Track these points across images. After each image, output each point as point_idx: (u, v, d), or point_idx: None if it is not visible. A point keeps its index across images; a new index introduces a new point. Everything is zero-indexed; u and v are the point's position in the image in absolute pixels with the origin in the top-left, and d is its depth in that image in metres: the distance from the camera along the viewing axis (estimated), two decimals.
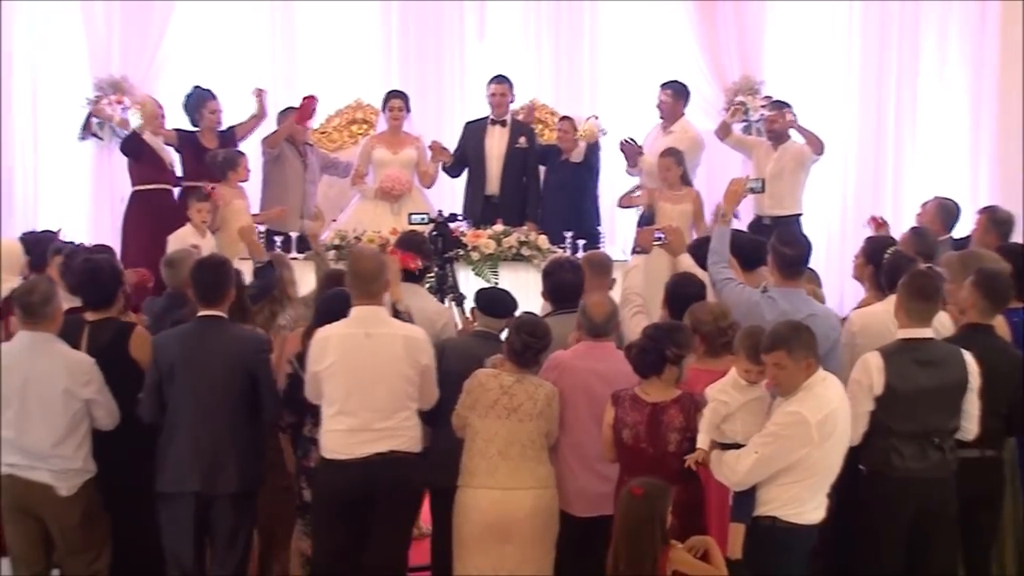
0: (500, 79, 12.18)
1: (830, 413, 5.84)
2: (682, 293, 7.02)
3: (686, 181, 11.16)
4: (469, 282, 10.44)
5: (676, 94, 12.19)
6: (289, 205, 11.70)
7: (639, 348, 6.26)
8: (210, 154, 11.51)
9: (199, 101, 11.89)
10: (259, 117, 12.18)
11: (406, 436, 6.60)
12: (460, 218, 10.23)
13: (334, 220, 11.95)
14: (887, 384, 6.40)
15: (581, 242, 10.73)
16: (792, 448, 5.81)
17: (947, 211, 9.81)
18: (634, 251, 8.16)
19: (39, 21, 13.35)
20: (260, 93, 12.21)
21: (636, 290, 7.61)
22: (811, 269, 8.11)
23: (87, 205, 13.21)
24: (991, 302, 6.89)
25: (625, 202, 12.10)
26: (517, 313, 7.23)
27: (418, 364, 6.56)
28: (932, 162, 13.48)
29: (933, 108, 13.56)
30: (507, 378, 6.49)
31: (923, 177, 13.12)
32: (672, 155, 11.14)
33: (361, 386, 6.53)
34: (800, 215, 11.93)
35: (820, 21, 13.77)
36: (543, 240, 10.93)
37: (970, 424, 6.54)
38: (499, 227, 11.12)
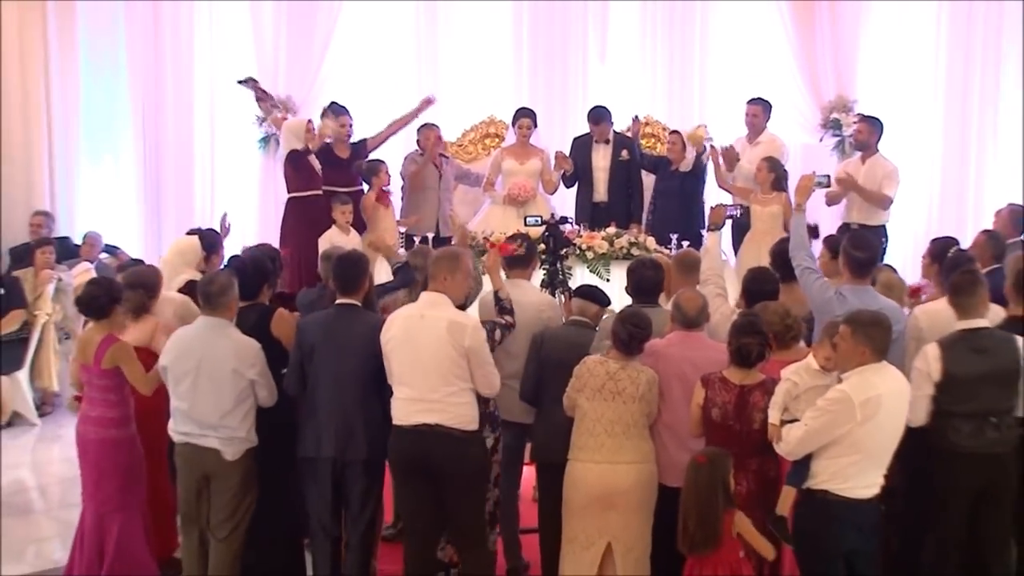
0: (598, 117, 12.03)
1: (875, 396, 5.75)
2: (757, 289, 7.02)
3: (778, 187, 11.04)
4: (585, 278, 10.40)
5: (763, 109, 12.10)
6: (425, 211, 11.83)
7: (739, 346, 6.25)
8: (356, 163, 11.71)
9: (335, 116, 11.91)
10: (396, 128, 12.24)
11: (453, 412, 6.49)
12: (570, 221, 10.21)
13: (467, 223, 11.91)
14: (944, 370, 6.36)
15: (685, 243, 10.62)
16: (836, 423, 5.76)
17: (1017, 216, 9.72)
18: (709, 228, 8.02)
19: (217, 48, 13.74)
20: (428, 99, 12.32)
21: (717, 271, 7.54)
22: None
23: (255, 208, 13.52)
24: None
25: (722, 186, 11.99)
26: (612, 307, 7.23)
27: (460, 346, 6.45)
28: (1011, 172, 13.10)
29: (1013, 122, 13.22)
30: (612, 365, 6.49)
31: (1003, 187, 12.75)
32: (768, 161, 11.10)
33: (413, 360, 6.52)
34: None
35: (909, 42, 13.58)
36: (651, 241, 10.86)
37: None
38: (612, 229, 11.06)
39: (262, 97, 12.64)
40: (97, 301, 7.29)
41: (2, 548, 8.22)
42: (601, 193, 12.07)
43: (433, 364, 6.48)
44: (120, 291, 7.52)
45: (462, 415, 6.52)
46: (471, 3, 13.84)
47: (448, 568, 7.03)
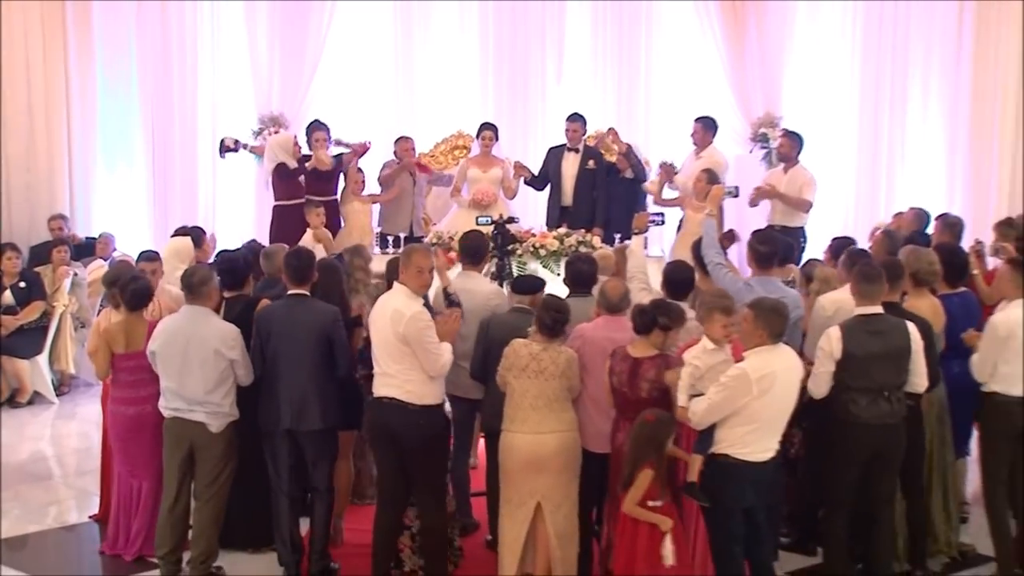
0: (575, 118, 12.09)
1: (769, 373, 5.80)
2: (676, 278, 7.03)
3: None
4: (539, 273, 10.40)
5: (705, 126, 12.07)
6: (400, 214, 11.86)
7: (639, 310, 6.33)
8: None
9: (316, 136, 11.85)
10: (359, 153, 12.07)
11: (406, 388, 6.49)
12: (517, 220, 10.21)
13: (435, 224, 12.08)
14: (845, 350, 6.40)
15: (628, 241, 10.68)
16: (735, 397, 5.80)
17: (921, 218, 9.84)
18: (633, 233, 8.04)
19: (219, 70, 13.82)
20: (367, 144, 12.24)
21: (641, 269, 7.57)
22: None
23: (252, 211, 13.56)
24: (890, 283, 6.88)
25: (657, 201, 11.86)
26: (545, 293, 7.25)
27: (398, 332, 6.45)
28: (917, 179, 13.28)
29: (918, 137, 13.38)
30: (535, 346, 6.50)
31: (910, 192, 12.87)
32: (706, 172, 11.00)
33: (375, 340, 6.61)
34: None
35: (828, 65, 13.70)
36: (597, 240, 10.85)
37: (918, 379, 6.54)
38: (563, 229, 11.08)
39: (235, 147, 12.62)
40: (146, 293, 7.42)
41: (25, 509, 8.35)
42: (568, 198, 12.05)
43: (385, 345, 6.53)
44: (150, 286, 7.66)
45: (413, 391, 6.51)
46: (444, 32, 13.96)
47: (409, 528, 7.03)
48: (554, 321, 6.51)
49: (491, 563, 6.92)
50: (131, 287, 7.35)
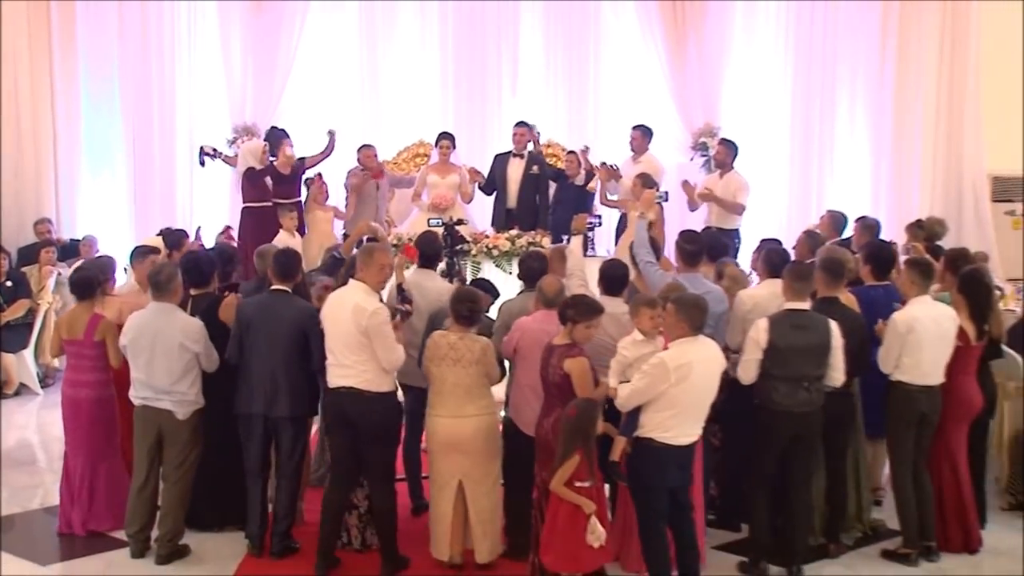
0: (520, 124, 12.22)
1: (686, 363, 5.84)
2: (611, 275, 7.02)
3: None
4: (491, 270, 10.57)
5: (643, 133, 12.22)
6: (365, 217, 11.66)
7: (561, 306, 6.33)
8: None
9: (278, 140, 11.95)
10: (326, 153, 12.17)
11: (362, 377, 6.49)
12: (466, 222, 10.24)
13: (395, 226, 12.09)
14: (770, 340, 6.47)
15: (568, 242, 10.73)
16: (654, 384, 5.84)
17: (836, 220, 9.92)
18: (572, 234, 8.06)
19: (196, 84, 13.86)
20: (332, 133, 12.26)
21: (579, 267, 7.57)
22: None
23: (226, 214, 13.46)
24: (832, 280, 6.97)
25: (603, 202, 12.03)
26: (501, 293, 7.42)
27: (360, 325, 6.44)
28: (844, 185, 13.49)
29: (845, 145, 13.60)
30: (453, 336, 6.55)
31: (838, 196, 13.04)
32: (640, 178, 11.09)
33: (333, 333, 6.60)
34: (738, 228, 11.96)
35: (763, 79, 13.89)
36: (547, 240, 10.86)
37: (836, 373, 6.59)
38: (515, 231, 11.15)
39: (213, 155, 12.55)
40: (88, 283, 7.39)
41: (14, 492, 8.36)
42: (513, 200, 12.10)
43: (344, 337, 6.52)
44: (104, 278, 7.66)
45: (369, 380, 6.51)
46: (407, 47, 14.02)
47: (357, 508, 7.07)
48: (468, 311, 6.55)
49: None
50: (74, 277, 7.44)
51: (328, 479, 6.97)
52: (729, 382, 6.46)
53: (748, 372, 6.54)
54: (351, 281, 6.76)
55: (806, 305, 6.66)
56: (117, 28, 13.45)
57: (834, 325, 6.58)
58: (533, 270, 7.36)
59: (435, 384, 6.62)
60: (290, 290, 7.06)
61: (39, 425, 10.47)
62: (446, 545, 6.70)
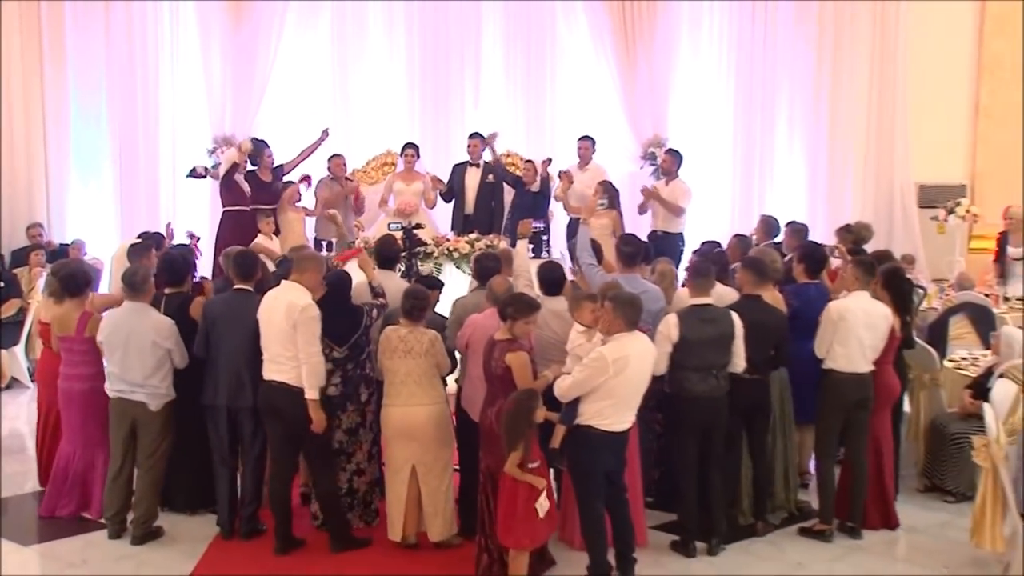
0: (474, 135, 12.28)
1: (623, 356, 5.89)
2: (548, 278, 7.05)
3: (610, 205, 11.05)
4: (452, 272, 10.61)
5: (590, 144, 12.32)
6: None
7: (501, 304, 6.35)
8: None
9: (259, 149, 11.91)
10: (310, 150, 12.20)
11: (293, 373, 6.50)
12: (424, 226, 10.25)
13: (362, 230, 11.91)
14: (681, 335, 6.55)
15: (531, 245, 10.70)
16: (594, 376, 5.88)
17: (769, 225, 9.97)
18: (518, 238, 8.07)
19: (179, 96, 13.77)
20: (325, 131, 12.29)
21: (525, 269, 7.59)
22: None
23: (207, 220, 13.38)
24: (757, 279, 7.05)
25: (567, 209, 12.02)
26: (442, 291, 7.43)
27: (290, 320, 6.46)
28: (784, 193, 13.62)
29: (784, 157, 13.74)
30: (402, 330, 6.61)
31: (778, 204, 13.18)
32: (602, 185, 11.19)
33: (267, 330, 6.62)
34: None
35: (707, 93, 13.97)
36: (503, 243, 10.75)
37: (739, 360, 6.69)
38: (474, 235, 11.20)
39: (204, 174, 12.52)
40: (76, 280, 7.40)
41: (5, 477, 8.35)
42: (471, 207, 12.16)
43: (277, 335, 6.54)
44: (91, 277, 7.69)
45: (298, 376, 6.51)
46: (375, 62, 13.98)
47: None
48: (412, 307, 6.62)
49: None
50: (61, 273, 7.45)
51: (270, 471, 6.96)
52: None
53: (660, 364, 6.50)
54: (284, 282, 6.77)
55: (711, 300, 6.78)
56: (104, 44, 13.41)
57: (736, 317, 6.69)
58: (487, 269, 7.40)
59: (388, 376, 6.66)
60: (252, 289, 7.07)
61: (29, 417, 10.38)
62: (399, 527, 6.74)
